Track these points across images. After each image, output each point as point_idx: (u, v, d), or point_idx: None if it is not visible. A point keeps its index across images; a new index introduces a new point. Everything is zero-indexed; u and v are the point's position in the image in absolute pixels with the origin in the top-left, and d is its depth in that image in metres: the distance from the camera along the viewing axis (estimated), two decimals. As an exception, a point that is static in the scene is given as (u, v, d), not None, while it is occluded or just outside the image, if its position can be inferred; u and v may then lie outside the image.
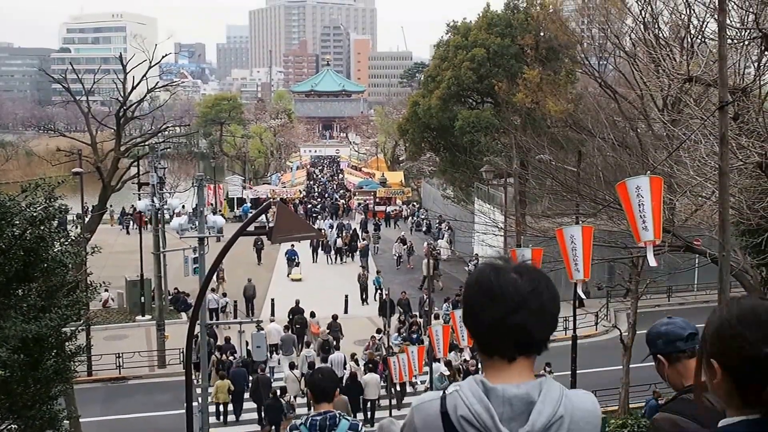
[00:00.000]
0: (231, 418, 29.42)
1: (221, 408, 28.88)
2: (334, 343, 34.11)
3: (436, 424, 2.60)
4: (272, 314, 39.28)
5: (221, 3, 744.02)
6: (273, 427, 26.78)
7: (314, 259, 55.01)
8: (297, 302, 38.48)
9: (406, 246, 55.18)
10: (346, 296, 42.71)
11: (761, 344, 2.28)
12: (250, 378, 29.37)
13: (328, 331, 35.50)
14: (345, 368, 30.10)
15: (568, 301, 37.96)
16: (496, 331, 2.60)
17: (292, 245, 50.30)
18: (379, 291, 43.70)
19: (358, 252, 54.87)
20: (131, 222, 68.61)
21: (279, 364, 33.42)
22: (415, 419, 2.69)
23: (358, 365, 30.30)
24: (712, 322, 2.48)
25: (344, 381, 27.43)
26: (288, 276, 49.15)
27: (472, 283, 2.72)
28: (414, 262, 52.97)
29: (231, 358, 32.19)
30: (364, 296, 45.15)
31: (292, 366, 30.15)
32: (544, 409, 2.53)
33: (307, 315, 37.36)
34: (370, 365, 30.44)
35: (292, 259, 50.90)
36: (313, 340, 35.53)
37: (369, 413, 28.30)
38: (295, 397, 28.60)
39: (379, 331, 34.82)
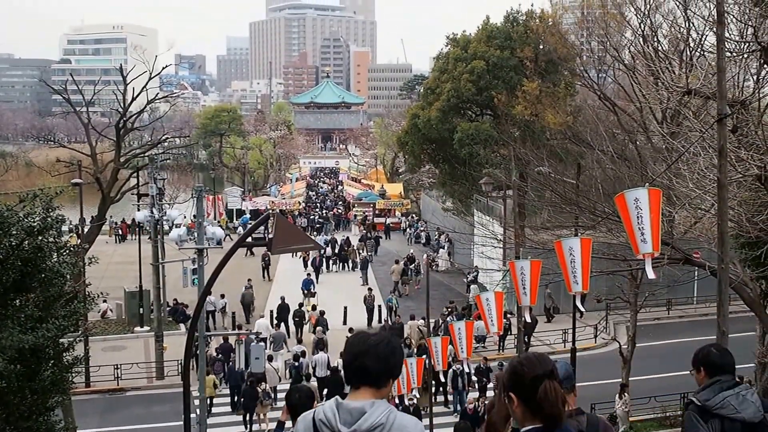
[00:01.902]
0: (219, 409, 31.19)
1: (207, 401, 29.32)
2: (324, 336, 36.15)
3: (308, 426, 4.19)
4: (273, 324, 39.48)
5: (222, 15, 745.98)
6: (247, 412, 29.63)
7: (316, 280, 51.27)
8: (282, 299, 40.86)
9: (413, 265, 52.32)
10: (345, 308, 42.55)
11: (532, 373, 4.04)
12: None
13: (321, 328, 36.86)
14: (329, 369, 31.69)
15: (567, 314, 38.13)
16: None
17: (309, 274, 48.59)
18: (392, 312, 41.96)
19: (357, 264, 54.48)
20: (119, 232, 69.16)
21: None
22: (299, 424, 4.29)
23: None
24: (507, 370, 4.23)
25: (324, 374, 31.46)
26: (303, 307, 42.64)
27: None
28: (422, 282, 49.18)
29: (219, 355, 33.73)
30: (370, 319, 42.70)
31: (270, 359, 31.62)
32: (369, 417, 4.01)
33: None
34: None
35: (308, 288, 45.89)
36: (313, 331, 37.82)
37: None
38: (274, 387, 30.64)
39: (351, 330, 36.60)
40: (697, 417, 6.17)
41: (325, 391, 30.20)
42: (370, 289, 45.34)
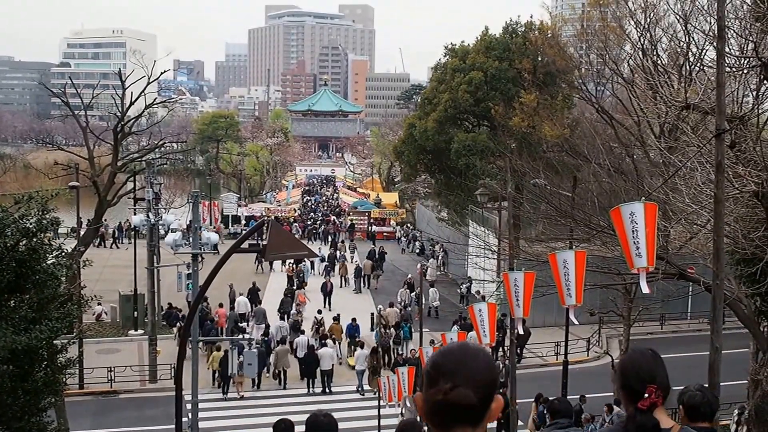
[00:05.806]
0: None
1: (215, 374, 33.80)
2: (302, 321, 39.58)
3: None
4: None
5: (221, 21, 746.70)
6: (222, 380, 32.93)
7: (326, 304, 46.01)
8: (254, 283, 45.86)
9: (414, 293, 44.79)
10: (338, 315, 42.28)
11: None
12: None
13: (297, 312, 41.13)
14: (306, 349, 34.41)
15: (560, 326, 38.09)
16: None
17: (354, 319, 38.81)
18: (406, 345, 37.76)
19: (348, 280, 54.15)
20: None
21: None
22: None
23: (326, 345, 35.28)
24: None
25: (304, 354, 34.16)
26: (349, 362, 36.82)
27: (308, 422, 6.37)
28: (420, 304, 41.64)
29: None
30: (382, 363, 34.66)
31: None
32: None
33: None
34: (323, 342, 35.98)
35: (354, 335, 37.95)
36: (301, 309, 42.26)
37: (326, 380, 33.61)
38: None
39: (320, 311, 39.75)
40: None
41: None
42: (382, 324, 38.78)
